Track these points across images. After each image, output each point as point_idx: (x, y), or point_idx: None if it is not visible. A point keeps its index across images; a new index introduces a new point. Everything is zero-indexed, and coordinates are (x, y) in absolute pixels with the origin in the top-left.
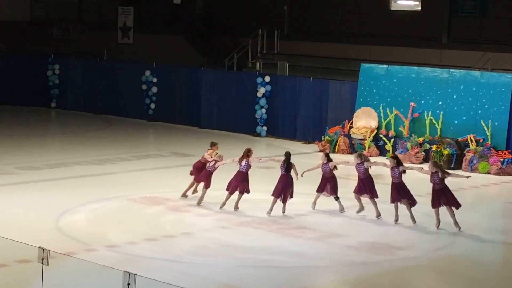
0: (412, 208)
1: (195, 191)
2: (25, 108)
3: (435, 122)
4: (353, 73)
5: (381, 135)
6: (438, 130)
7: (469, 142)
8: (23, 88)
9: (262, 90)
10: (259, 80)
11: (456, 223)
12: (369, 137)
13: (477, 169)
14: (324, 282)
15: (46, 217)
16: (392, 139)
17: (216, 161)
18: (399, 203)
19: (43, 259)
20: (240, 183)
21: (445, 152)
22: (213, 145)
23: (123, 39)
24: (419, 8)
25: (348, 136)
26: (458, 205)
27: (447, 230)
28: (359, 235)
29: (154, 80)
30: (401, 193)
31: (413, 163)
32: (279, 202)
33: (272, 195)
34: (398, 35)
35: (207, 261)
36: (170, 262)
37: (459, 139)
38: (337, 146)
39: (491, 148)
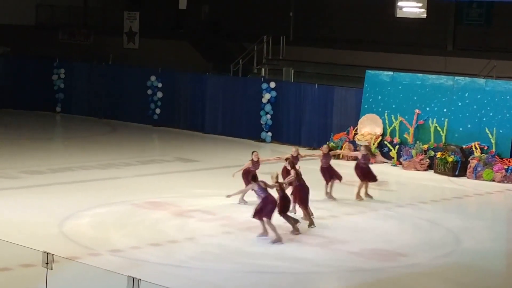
0: (417, 215)
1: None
2: (30, 112)
3: (439, 129)
4: (358, 80)
5: (385, 142)
6: (443, 137)
7: (474, 149)
8: (28, 92)
9: (267, 96)
10: (264, 86)
11: (367, 194)
12: (373, 144)
13: (481, 177)
14: None
15: (51, 221)
16: (397, 146)
17: (283, 183)
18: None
19: (47, 263)
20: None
21: (450, 159)
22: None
23: (129, 44)
24: (424, 16)
25: (353, 142)
26: (375, 179)
27: (451, 238)
28: (363, 242)
29: (159, 85)
30: (331, 174)
31: (418, 170)
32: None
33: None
34: (404, 42)
35: (211, 266)
36: (174, 267)
37: (464, 146)
38: None
39: (496, 156)
